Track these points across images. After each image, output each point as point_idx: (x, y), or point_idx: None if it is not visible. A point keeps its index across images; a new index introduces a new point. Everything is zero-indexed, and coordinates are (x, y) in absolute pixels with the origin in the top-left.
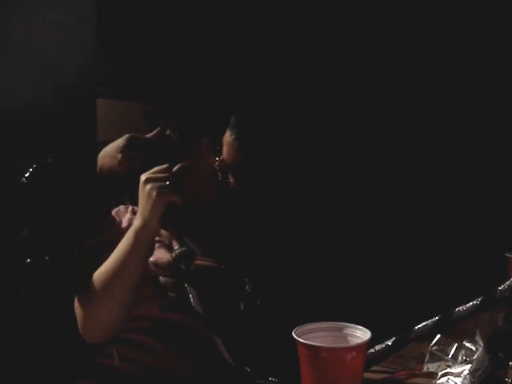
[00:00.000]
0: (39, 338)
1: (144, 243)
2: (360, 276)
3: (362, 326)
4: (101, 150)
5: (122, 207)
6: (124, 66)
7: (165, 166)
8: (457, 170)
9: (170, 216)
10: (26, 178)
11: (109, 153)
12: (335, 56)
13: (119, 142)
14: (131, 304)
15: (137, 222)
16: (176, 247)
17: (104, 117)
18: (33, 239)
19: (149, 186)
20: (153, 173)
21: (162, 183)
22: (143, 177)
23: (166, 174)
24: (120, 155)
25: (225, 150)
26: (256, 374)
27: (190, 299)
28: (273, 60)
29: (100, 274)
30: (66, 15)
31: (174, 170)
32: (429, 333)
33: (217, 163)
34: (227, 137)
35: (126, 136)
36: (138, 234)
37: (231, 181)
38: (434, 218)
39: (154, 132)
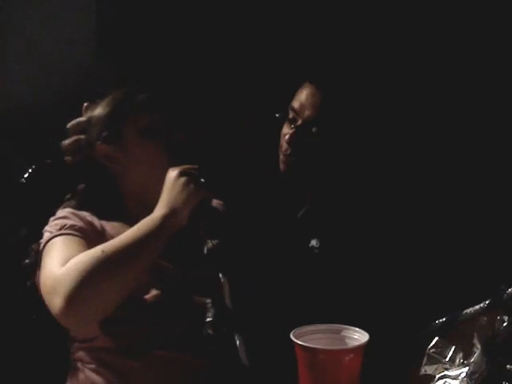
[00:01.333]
0: (36, 339)
1: (168, 230)
2: (358, 278)
3: (360, 328)
4: None
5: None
6: (124, 67)
7: (195, 166)
8: (461, 171)
9: (203, 209)
10: (25, 178)
11: None
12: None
13: None
14: (128, 290)
15: (163, 210)
16: (209, 241)
17: None
18: (31, 240)
19: (185, 178)
20: (185, 169)
21: (199, 178)
22: (176, 169)
23: (200, 172)
24: None
25: (301, 109)
26: (259, 376)
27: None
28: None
29: (115, 247)
30: (66, 15)
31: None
32: (434, 335)
33: (287, 137)
34: (306, 93)
35: None
36: (165, 221)
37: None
38: (437, 218)
39: None
